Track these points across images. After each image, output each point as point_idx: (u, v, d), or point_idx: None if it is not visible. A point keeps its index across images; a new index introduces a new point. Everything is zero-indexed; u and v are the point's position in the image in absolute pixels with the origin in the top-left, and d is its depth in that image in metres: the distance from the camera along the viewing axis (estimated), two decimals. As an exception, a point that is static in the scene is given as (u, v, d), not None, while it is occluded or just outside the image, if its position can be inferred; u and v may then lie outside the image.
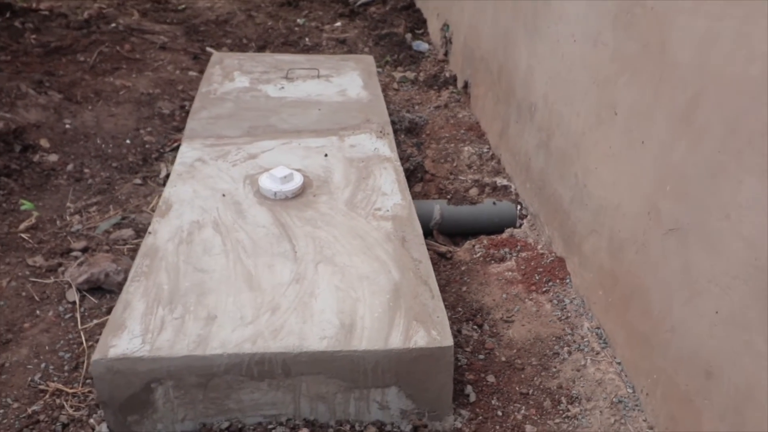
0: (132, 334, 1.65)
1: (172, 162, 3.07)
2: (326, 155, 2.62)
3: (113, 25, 4.85)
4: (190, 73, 4.21)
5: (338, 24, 5.26)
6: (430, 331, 1.72)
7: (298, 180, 2.35)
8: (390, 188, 2.40)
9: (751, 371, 1.35)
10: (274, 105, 3.06)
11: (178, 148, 3.20)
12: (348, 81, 3.40)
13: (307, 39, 4.94)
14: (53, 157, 2.93)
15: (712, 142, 1.48)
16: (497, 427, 1.79)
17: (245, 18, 5.35)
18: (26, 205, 2.57)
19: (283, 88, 3.24)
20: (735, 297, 1.40)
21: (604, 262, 2.06)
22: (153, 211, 2.68)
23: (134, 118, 3.46)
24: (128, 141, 3.21)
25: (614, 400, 1.85)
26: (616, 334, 1.98)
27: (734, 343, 1.41)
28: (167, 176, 2.93)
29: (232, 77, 3.34)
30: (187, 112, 3.59)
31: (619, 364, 1.95)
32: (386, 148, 2.73)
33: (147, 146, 3.21)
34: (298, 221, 2.17)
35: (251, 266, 1.94)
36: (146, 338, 1.65)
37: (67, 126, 3.18)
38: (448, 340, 1.70)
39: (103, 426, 1.70)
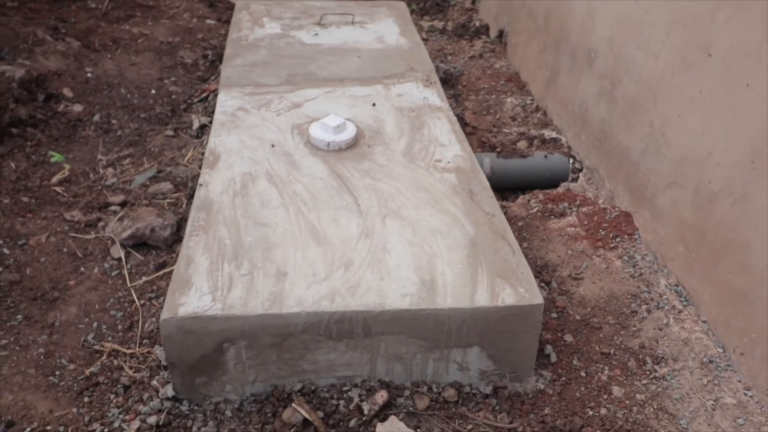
0: (201, 292, 1.53)
1: (202, 113, 2.90)
2: (374, 104, 2.45)
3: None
4: (208, 21, 3.99)
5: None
6: (517, 288, 1.61)
7: (351, 130, 2.19)
8: (447, 139, 2.26)
9: None
10: (311, 52, 2.87)
11: (206, 98, 3.04)
12: (384, 28, 3.20)
13: (326, -14, 4.69)
14: (78, 107, 2.75)
15: None
16: (582, 388, 1.69)
17: (259, -35, 5.07)
18: (56, 156, 2.40)
19: (317, 34, 3.05)
20: None
21: (686, 216, 1.93)
22: (190, 163, 2.53)
23: (157, 67, 3.26)
24: (153, 91, 3.03)
25: (704, 360, 1.75)
26: (701, 292, 1.87)
27: None
28: (200, 128, 2.77)
29: (261, 23, 3.14)
30: (212, 62, 3.40)
31: (705, 322, 1.85)
32: (435, 97, 2.56)
33: (173, 97, 3.03)
34: (356, 173, 2.02)
35: (314, 220, 1.80)
36: (216, 296, 1.52)
37: (89, 75, 2.98)
38: (538, 298, 1.58)
39: (168, 388, 1.58)
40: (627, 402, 1.65)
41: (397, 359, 1.62)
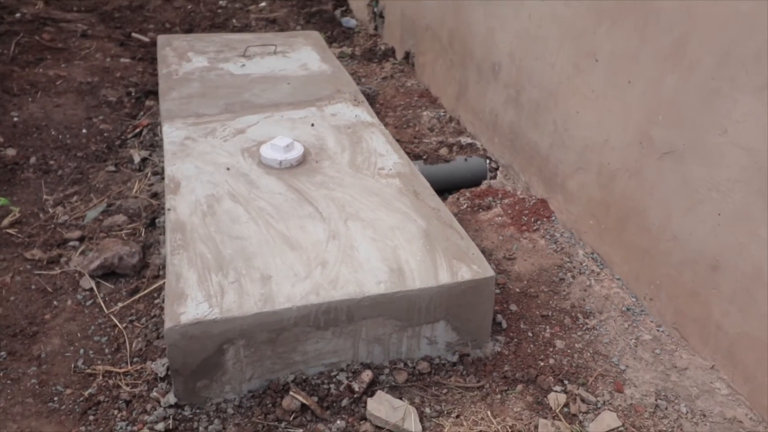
0: (197, 301, 1.67)
1: (140, 147, 2.98)
2: (313, 125, 2.67)
3: (18, 14, 4.50)
4: (123, 60, 4.03)
5: (263, 4, 5.21)
6: (471, 266, 1.88)
7: (299, 148, 2.40)
8: (384, 149, 2.52)
9: (758, 256, 1.64)
10: (242, 82, 3.05)
11: (140, 133, 3.12)
12: (305, 56, 3.44)
13: (234, 20, 4.86)
14: (11, 152, 2.75)
15: (703, 72, 1.74)
16: (531, 345, 1.99)
17: (162, 2, 5.15)
18: (0, 200, 2.41)
19: (244, 65, 3.23)
20: (737, 197, 1.68)
21: (593, 195, 2.31)
22: (139, 194, 2.61)
23: (82, 107, 3.28)
24: (84, 130, 3.06)
25: (623, 309, 2.11)
26: (613, 255, 2.25)
27: (739, 236, 1.69)
28: (142, 161, 2.86)
29: (188, 58, 3.27)
30: (137, 98, 3.48)
31: (619, 279, 2.22)
32: (366, 114, 2.83)
33: (105, 134, 3.08)
34: (312, 186, 2.23)
35: (284, 229, 1.99)
36: (212, 302, 1.67)
37: (15, 119, 2.97)
38: (490, 272, 1.87)
39: (170, 396, 1.70)
40: (569, 351, 1.97)
41: (376, 341, 1.84)
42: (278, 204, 2.11)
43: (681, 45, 1.81)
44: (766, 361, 1.66)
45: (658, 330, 2.02)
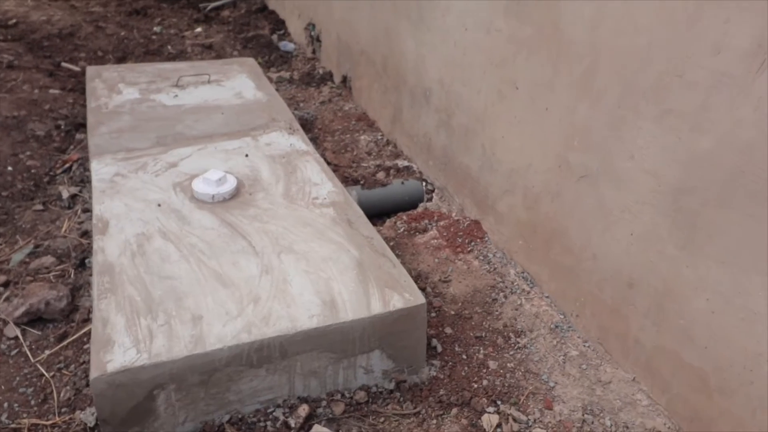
0: (124, 347, 1.65)
1: (70, 183, 2.92)
2: (247, 155, 2.68)
3: (-62, 45, 4.34)
4: (52, 91, 3.93)
5: (199, 29, 5.17)
6: (403, 293, 1.92)
7: (232, 181, 2.40)
8: (319, 178, 2.55)
9: (667, 274, 1.74)
10: (175, 113, 3.02)
11: (69, 168, 3.05)
12: (240, 84, 3.44)
13: (169, 47, 4.81)
14: (-70, 194, 2.64)
15: (610, 101, 1.85)
16: (466, 368, 2.04)
17: (93, 30, 5.05)
18: None
19: (177, 96, 3.20)
20: (645, 218, 1.78)
21: (521, 216, 2.40)
22: (68, 234, 2.55)
23: (7, 143, 3.18)
24: (10, 168, 2.97)
25: (551, 326, 2.20)
26: (541, 274, 2.33)
27: (649, 254, 1.79)
28: (71, 198, 2.79)
29: (118, 90, 3.22)
30: (66, 132, 3.40)
31: (548, 297, 2.31)
32: (301, 142, 2.85)
33: (33, 171, 3.00)
34: (245, 219, 2.24)
35: (216, 266, 1.98)
36: (140, 348, 1.65)
37: (-66, 158, 2.86)
38: (421, 299, 1.91)
39: (101, 446, 1.67)
40: (501, 371, 2.03)
41: (312, 374, 1.85)
42: (211, 240, 2.11)
43: (590, 75, 1.92)
44: (680, 371, 1.76)
45: (584, 345, 2.11)
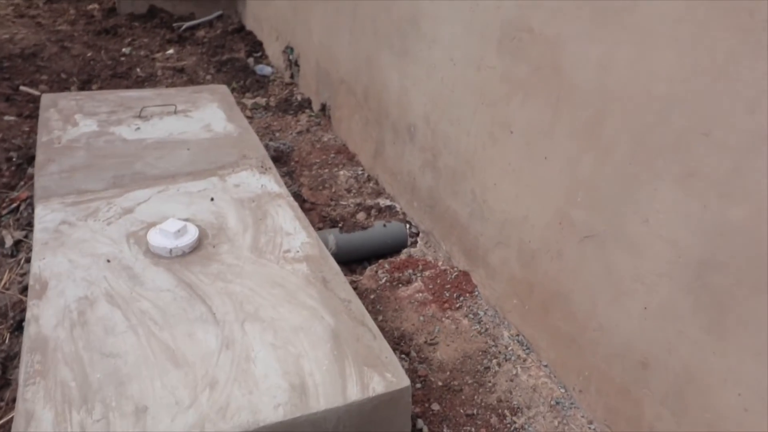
0: (48, 452, 1.37)
1: (15, 227, 2.63)
2: (212, 199, 2.42)
3: None
4: (7, 117, 3.64)
5: (170, 51, 4.91)
6: (384, 374, 1.67)
7: (192, 232, 2.13)
8: (292, 227, 2.29)
9: (689, 358, 1.51)
10: (135, 149, 2.75)
11: (17, 209, 2.76)
12: (210, 115, 3.19)
13: (138, 69, 4.54)
14: None
15: (621, 155, 1.63)
16: (456, 454, 1.79)
17: (58, 50, 4.77)
18: None
19: (139, 128, 2.93)
20: (663, 293, 1.56)
21: (515, 272, 2.17)
22: (7, 288, 2.26)
23: (-51, 178, 2.89)
24: (-52, 207, 2.67)
25: (552, 402, 1.95)
26: (539, 339, 2.10)
27: (668, 334, 1.56)
28: (15, 244, 2.50)
29: (74, 121, 2.95)
30: (18, 165, 3.11)
31: (546, 366, 2.07)
32: (273, 183, 2.60)
33: (-25, 211, 2.70)
34: (206, 278, 1.97)
35: (168, 339, 1.71)
36: (68, 453, 1.37)
37: None
38: (405, 380, 1.66)
39: None
40: (497, 458, 1.78)
41: (277, 471, 1.58)
42: (165, 304, 1.84)
43: (596, 125, 1.70)
44: (703, 470, 1.53)
45: (589, 427, 1.87)
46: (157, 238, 2.07)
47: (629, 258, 1.65)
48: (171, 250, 2.05)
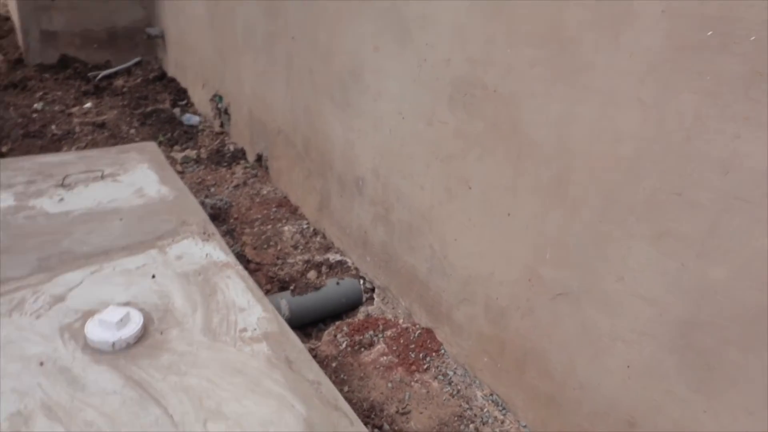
0: None
1: None
2: (154, 276, 2.22)
3: None
4: None
5: (88, 104, 4.63)
6: (367, 464, 1.55)
7: (136, 319, 1.94)
8: (245, 300, 2.14)
9: (678, 417, 1.48)
10: (61, 223, 2.51)
11: (-77, 300, 2.43)
12: (140, 177, 2.98)
13: (54, 127, 4.23)
14: None
15: (590, 214, 1.61)
16: None
17: (-40, 109, 4.38)
18: None
19: (63, 199, 2.69)
20: (646, 351, 1.53)
21: (483, 329, 2.11)
22: None
23: None
24: None
25: (536, 465, 1.89)
26: (515, 398, 2.04)
27: (654, 392, 1.53)
28: (-77, 345, 2.19)
29: (-14, 196, 2.67)
30: None
31: (525, 427, 2.01)
32: (218, 251, 2.43)
33: None
34: (157, 373, 1.78)
35: (121, 452, 1.52)
36: None
37: None
38: (390, 469, 1.55)
39: None
40: None
41: None
42: (113, 411, 1.64)
43: (561, 182, 1.68)
44: None
45: (578, 490, 1.82)
46: (96, 331, 1.87)
47: (606, 316, 1.62)
48: (114, 344, 1.85)
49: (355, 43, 2.52)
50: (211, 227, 2.62)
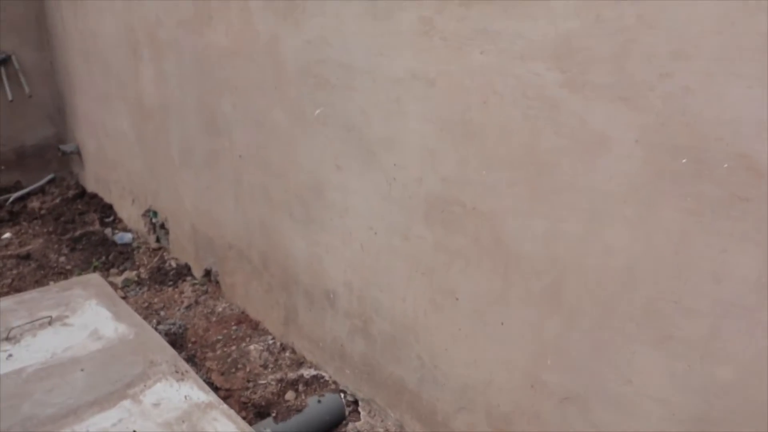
0: None
1: None
2: (135, 432, 2.07)
3: None
4: None
5: (7, 235, 4.33)
6: None
7: (131, 490, 1.79)
8: (240, 445, 2.03)
9: None
10: (15, 384, 2.29)
11: None
12: (92, 317, 2.79)
13: (-31, 266, 3.91)
14: None
15: (588, 322, 1.70)
16: None
17: None
18: None
19: (11, 355, 2.47)
20: (663, 449, 1.61)
21: (487, 437, 2.12)
22: None
23: None
24: None
25: None
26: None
27: (677, 488, 1.60)
28: None
29: None
30: None
31: None
32: (197, 390, 2.31)
33: None
34: None
35: None
36: None
37: None
38: None
39: None
40: None
41: None
42: None
43: (555, 292, 1.77)
44: None
45: None
46: None
47: (617, 417, 1.69)
48: None
49: (313, 163, 2.57)
50: (183, 364, 2.49)
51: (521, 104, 1.73)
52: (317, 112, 2.49)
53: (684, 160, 1.41)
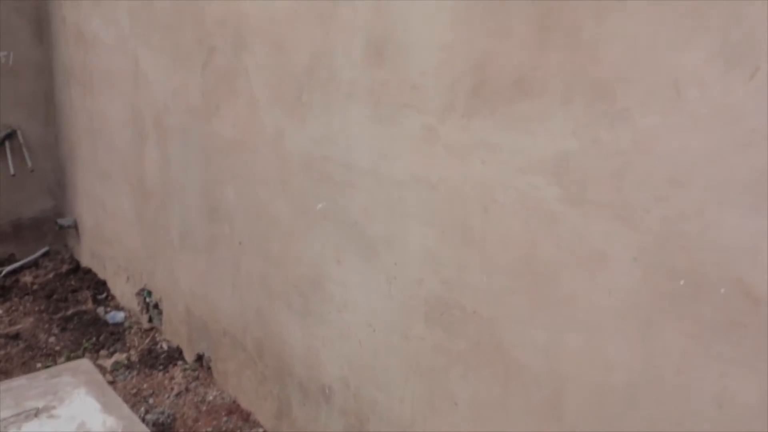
0: None
1: None
2: None
3: None
4: None
5: (-2, 312, 4.27)
6: None
7: None
8: None
9: None
10: (-5, 484, 2.21)
11: None
12: (80, 408, 2.73)
13: (-43, 344, 3.83)
14: None
15: (591, 436, 1.68)
16: None
17: None
18: None
19: (-6, 451, 2.39)
20: None
21: None
22: None
23: None
24: None
25: None
26: None
27: None
28: None
29: None
30: None
31: None
32: (185, 493, 2.23)
33: None
34: None
35: None
36: None
37: None
38: None
39: None
40: None
41: None
42: None
43: (556, 405, 1.76)
44: None
45: None
46: None
47: None
48: None
49: (313, 255, 2.59)
50: (172, 462, 2.41)
51: (521, 215, 1.78)
52: (319, 206, 2.54)
53: (682, 282, 1.44)
